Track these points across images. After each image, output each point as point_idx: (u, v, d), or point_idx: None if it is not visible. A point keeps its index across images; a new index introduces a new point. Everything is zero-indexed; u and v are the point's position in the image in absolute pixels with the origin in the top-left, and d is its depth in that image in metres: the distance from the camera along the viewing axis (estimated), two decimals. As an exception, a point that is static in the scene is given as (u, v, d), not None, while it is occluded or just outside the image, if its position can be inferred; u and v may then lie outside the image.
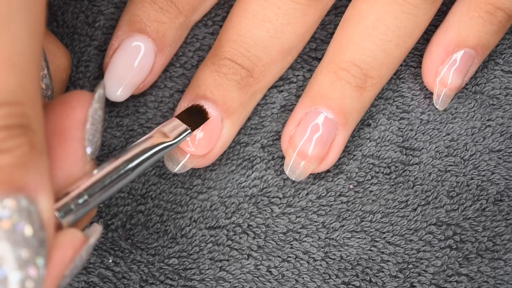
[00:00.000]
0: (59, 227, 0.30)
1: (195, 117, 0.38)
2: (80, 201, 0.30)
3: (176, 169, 0.40)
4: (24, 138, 0.27)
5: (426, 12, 0.40)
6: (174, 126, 0.36)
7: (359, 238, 0.42)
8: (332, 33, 0.43)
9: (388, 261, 0.42)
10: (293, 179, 0.41)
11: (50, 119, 0.31)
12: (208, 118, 0.39)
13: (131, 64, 0.40)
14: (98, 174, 0.31)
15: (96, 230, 0.30)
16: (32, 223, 0.27)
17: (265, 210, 0.42)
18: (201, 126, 0.39)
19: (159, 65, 0.41)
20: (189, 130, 0.37)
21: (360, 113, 0.41)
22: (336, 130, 0.40)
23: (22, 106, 0.28)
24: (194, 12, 0.41)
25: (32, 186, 0.28)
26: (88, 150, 0.31)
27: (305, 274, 0.42)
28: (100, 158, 0.42)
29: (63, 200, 0.30)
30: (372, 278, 0.42)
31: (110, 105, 0.42)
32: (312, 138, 0.40)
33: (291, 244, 0.42)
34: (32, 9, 0.28)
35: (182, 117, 0.37)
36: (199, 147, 0.40)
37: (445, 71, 0.41)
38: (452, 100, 0.43)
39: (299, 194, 0.42)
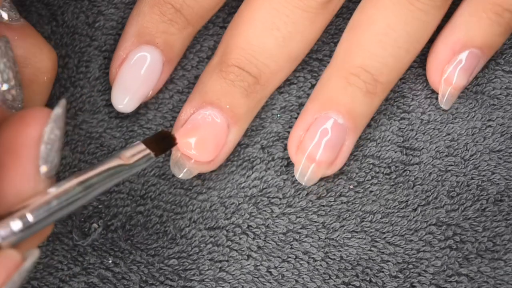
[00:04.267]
0: None
1: (162, 142, 0.37)
2: (24, 224, 0.29)
3: (182, 175, 0.40)
4: None
5: (434, 17, 0.40)
6: (138, 150, 0.35)
7: (359, 238, 0.42)
8: (334, 35, 0.43)
9: (388, 261, 0.42)
10: (303, 184, 0.41)
11: (5, 135, 0.30)
12: (175, 145, 0.38)
13: (140, 75, 0.40)
14: (47, 195, 0.30)
15: (33, 254, 0.29)
16: None
17: (265, 211, 0.42)
18: (166, 151, 0.38)
19: (166, 75, 0.41)
20: (152, 155, 0.35)
21: (368, 118, 0.41)
22: (346, 135, 0.40)
23: None
24: (201, 22, 0.41)
25: None
26: (42, 169, 0.30)
27: (305, 274, 0.42)
28: (99, 159, 0.42)
29: (5, 220, 0.29)
30: (372, 278, 0.42)
31: (110, 106, 0.42)
32: (322, 143, 0.40)
33: (291, 245, 0.42)
34: None
35: (148, 142, 0.36)
36: (205, 154, 0.40)
37: (451, 71, 0.41)
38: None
39: (299, 194, 0.42)
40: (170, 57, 0.41)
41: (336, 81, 0.40)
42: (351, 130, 0.41)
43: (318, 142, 0.40)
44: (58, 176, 0.42)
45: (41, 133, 0.30)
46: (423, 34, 0.40)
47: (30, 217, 0.29)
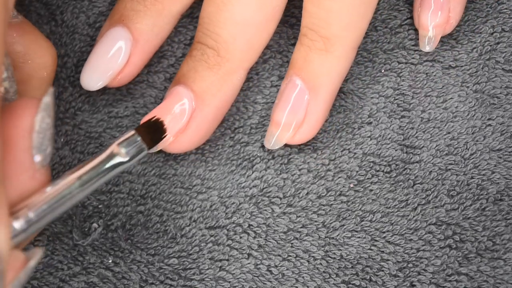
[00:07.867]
0: None
1: (155, 133, 0.37)
2: (26, 222, 0.29)
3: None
4: None
5: None
6: (131, 141, 0.34)
7: (359, 237, 0.42)
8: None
9: (388, 260, 0.42)
10: (267, 147, 0.42)
11: None
12: (166, 136, 0.38)
13: (103, 51, 0.41)
14: (46, 193, 0.30)
15: (37, 253, 0.30)
16: None
17: (265, 210, 0.42)
18: (159, 143, 0.38)
19: (137, 56, 0.41)
20: (145, 147, 0.34)
21: (329, 78, 0.41)
22: (307, 95, 0.41)
23: None
24: (173, 1, 0.41)
25: None
26: (37, 158, 0.30)
27: (305, 273, 0.42)
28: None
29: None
30: (372, 277, 0.42)
31: (109, 106, 0.43)
32: (281, 105, 0.41)
33: (291, 243, 0.42)
34: None
35: (141, 131, 0.35)
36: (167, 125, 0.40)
37: (421, 13, 0.43)
38: (452, 98, 0.43)
39: (299, 193, 0.42)
40: (137, 35, 0.41)
41: (295, 47, 0.41)
42: (311, 90, 0.41)
43: (280, 105, 0.41)
44: (58, 175, 0.42)
45: (33, 123, 0.30)
46: None
47: (31, 216, 0.29)
